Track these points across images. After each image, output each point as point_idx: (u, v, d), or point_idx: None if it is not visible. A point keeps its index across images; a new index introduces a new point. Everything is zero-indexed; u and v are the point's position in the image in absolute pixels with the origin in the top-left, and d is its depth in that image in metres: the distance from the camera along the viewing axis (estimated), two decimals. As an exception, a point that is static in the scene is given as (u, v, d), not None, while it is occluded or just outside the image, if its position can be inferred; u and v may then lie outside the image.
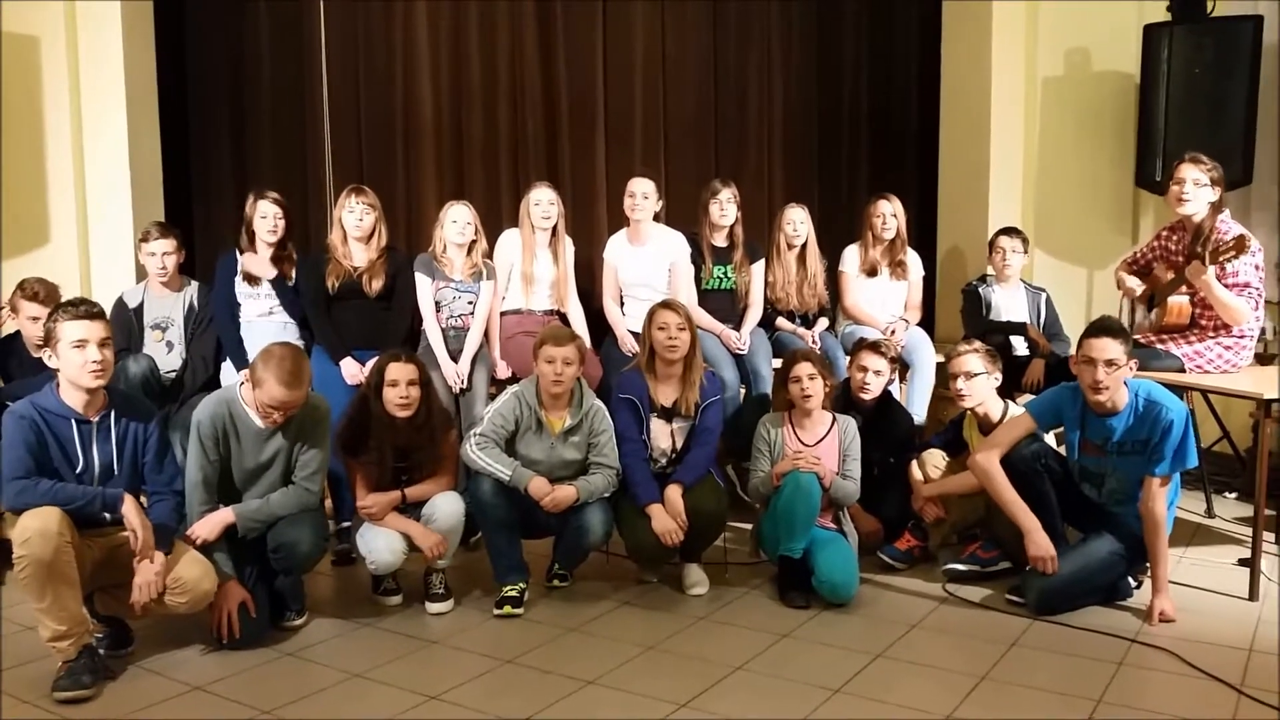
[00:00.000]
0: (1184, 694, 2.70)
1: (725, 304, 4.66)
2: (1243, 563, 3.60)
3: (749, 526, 3.85)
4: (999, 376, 3.82)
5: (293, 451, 3.22)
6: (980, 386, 3.72)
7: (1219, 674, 2.77)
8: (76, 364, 2.84)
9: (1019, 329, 4.62)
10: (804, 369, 3.62)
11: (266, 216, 4.19)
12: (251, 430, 3.17)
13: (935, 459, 3.87)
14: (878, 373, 3.92)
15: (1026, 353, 4.60)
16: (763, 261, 4.72)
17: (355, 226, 4.15)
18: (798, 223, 4.71)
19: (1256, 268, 3.75)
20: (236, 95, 5.16)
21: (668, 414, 3.63)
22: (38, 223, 4.60)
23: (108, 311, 4.01)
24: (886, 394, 4.04)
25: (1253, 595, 3.39)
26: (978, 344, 3.81)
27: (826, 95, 5.74)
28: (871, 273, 4.82)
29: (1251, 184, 4.84)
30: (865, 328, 4.72)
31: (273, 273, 4.19)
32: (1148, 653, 2.97)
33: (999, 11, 5.29)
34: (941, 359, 4.80)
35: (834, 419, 3.69)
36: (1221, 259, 3.65)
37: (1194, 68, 4.80)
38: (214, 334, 4.17)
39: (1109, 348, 3.16)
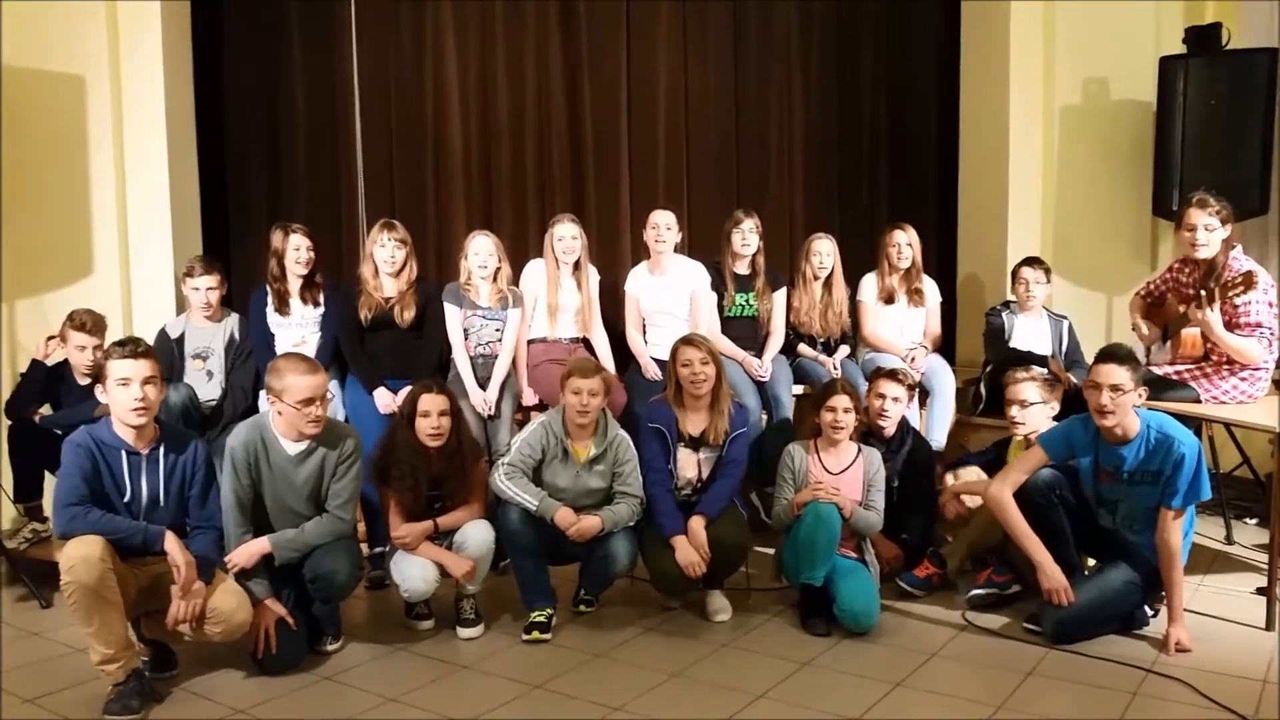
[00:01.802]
0: (1197, 724, 2.77)
1: (747, 331, 4.77)
2: (1260, 591, 3.64)
3: (771, 552, 3.93)
4: (1056, 405, 3.88)
5: (323, 479, 3.33)
6: (1035, 415, 3.79)
7: (1232, 705, 2.82)
8: (121, 401, 2.99)
9: (1040, 360, 4.68)
10: (841, 401, 3.71)
11: (299, 249, 4.35)
12: (283, 456, 3.29)
13: (971, 475, 3.93)
14: (896, 400, 3.99)
15: (1046, 380, 4.66)
16: (784, 289, 4.82)
17: (386, 261, 4.28)
18: (824, 254, 4.81)
19: (1270, 305, 3.79)
20: (272, 132, 5.33)
21: (695, 443, 3.72)
22: (82, 254, 4.75)
23: (150, 341, 4.21)
24: (905, 422, 4.12)
25: (1269, 625, 3.43)
26: (1036, 372, 3.87)
27: (846, 126, 5.84)
28: (889, 300, 4.91)
29: (1268, 214, 4.88)
30: (885, 355, 4.80)
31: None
32: (1162, 682, 3.02)
33: (1017, 41, 5.36)
34: (960, 386, 4.89)
35: (859, 450, 3.77)
36: (1231, 294, 3.70)
37: (1210, 100, 4.86)
38: (254, 365, 4.32)
39: (1115, 373, 3.24)
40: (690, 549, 3.51)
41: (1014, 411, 3.78)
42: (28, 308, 4.72)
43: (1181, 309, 4.03)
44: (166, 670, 3.18)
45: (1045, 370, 3.91)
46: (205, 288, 4.31)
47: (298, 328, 4.38)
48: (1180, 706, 2.86)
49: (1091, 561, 3.61)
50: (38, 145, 4.65)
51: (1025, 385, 3.79)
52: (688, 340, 3.79)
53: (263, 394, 4.23)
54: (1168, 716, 2.81)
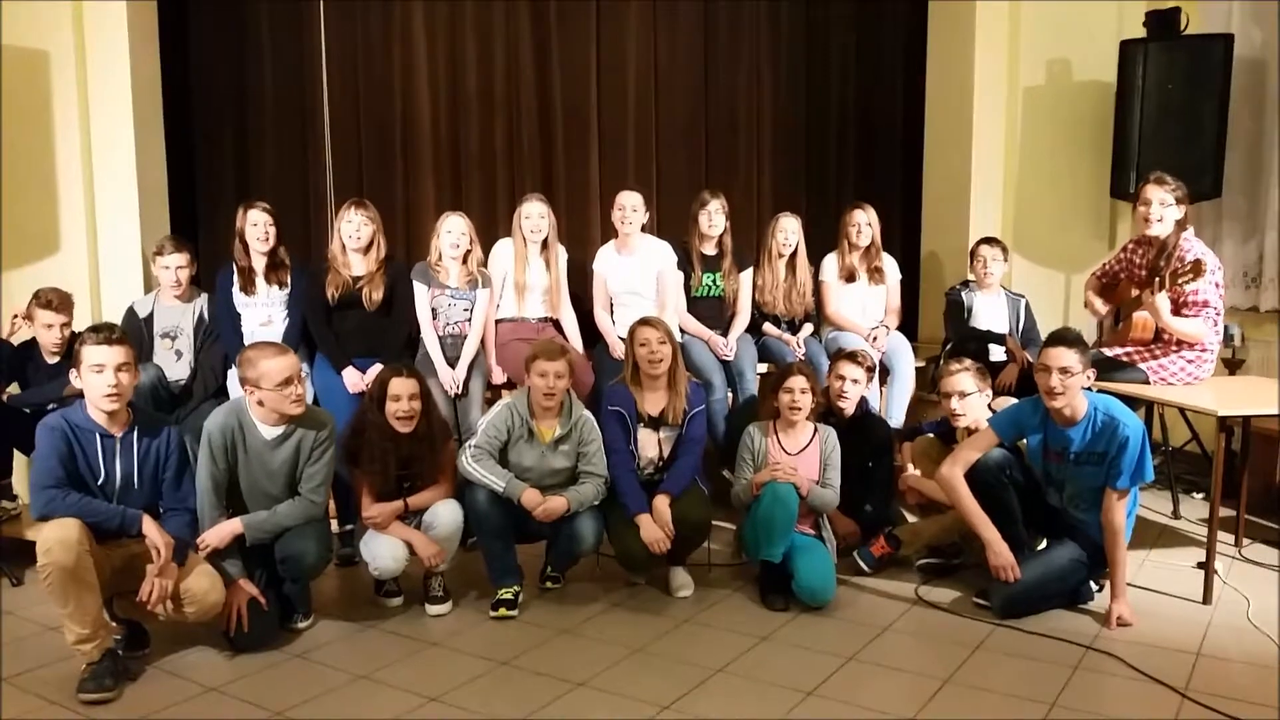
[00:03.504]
0: (1132, 697, 2.88)
1: (713, 310, 4.84)
2: (1201, 566, 3.75)
3: (733, 528, 4.03)
4: (990, 392, 3.99)
5: (299, 463, 3.39)
6: (973, 404, 3.90)
7: (1166, 678, 2.96)
8: (94, 386, 3.03)
9: (999, 339, 4.80)
10: (797, 382, 3.80)
11: (257, 225, 4.36)
12: (260, 441, 3.34)
13: (920, 453, 4.09)
14: (855, 381, 4.10)
15: (1004, 358, 4.79)
16: (750, 269, 4.89)
17: (352, 238, 4.30)
18: (789, 232, 4.88)
19: (1216, 285, 3.91)
20: (239, 109, 5.32)
21: (655, 423, 3.80)
22: (48, 232, 4.74)
23: (118, 319, 4.23)
24: (864, 402, 4.22)
25: (1206, 599, 3.58)
26: (968, 362, 3.97)
27: (814, 106, 5.90)
28: (850, 279, 4.99)
29: (1221, 196, 5.00)
30: (848, 334, 4.89)
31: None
32: (1102, 657, 3.14)
33: (982, 22, 5.45)
34: (922, 364, 5.00)
35: (815, 429, 3.87)
36: (1180, 282, 3.82)
37: (1167, 84, 4.96)
38: (223, 346, 4.34)
39: (1063, 356, 3.34)
40: (654, 527, 3.60)
41: (954, 404, 3.88)
42: (-7, 285, 4.73)
43: (1134, 292, 4.14)
44: (139, 649, 3.24)
45: (977, 363, 4.02)
46: (175, 266, 4.32)
47: (264, 307, 4.39)
48: (1117, 680, 2.99)
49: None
50: (1, 120, 4.61)
51: (961, 376, 3.88)
52: (645, 321, 3.86)
53: (231, 373, 4.30)
54: (1106, 689, 2.94)
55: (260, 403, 3.29)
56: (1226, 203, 5.12)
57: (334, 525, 3.87)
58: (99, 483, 3.07)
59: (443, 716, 2.82)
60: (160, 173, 5.05)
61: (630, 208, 4.66)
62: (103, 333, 3.05)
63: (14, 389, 4.25)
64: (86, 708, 2.86)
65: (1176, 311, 3.93)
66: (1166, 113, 4.99)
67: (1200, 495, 4.92)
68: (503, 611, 3.51)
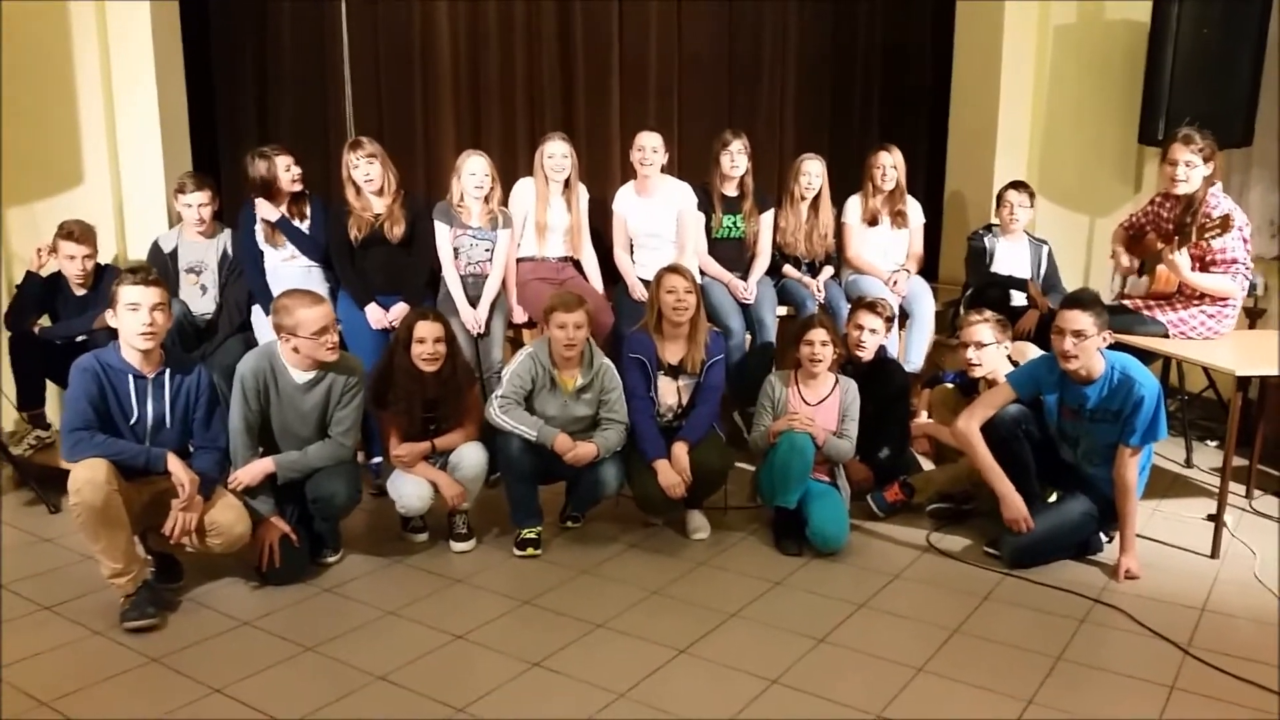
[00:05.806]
0: (1136, 653, 2.94)
1: (734, 253, 4.84)
2: (1211, 518, 3.79)
3: (751, 469, 4.09)
4: (1009, 345, 4.01)
5: (329, 407, 3.46)
6: (990, 356, 3.92)
7: (1170, 633, 3.02)
8: (129, 325, 3.10)
9: (1020, 285, 4.79)
10: (818, 334, 3.81)
11: (290, 169, 4.36)
12: (291, 384, 3.41)
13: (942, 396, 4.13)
14: (873, 331, 4.11)
15: (1025, 304, 4.79)
16: (772, 211, 4.87)
17: (366, 180, 4.30)
18: (813, 175, 4.84)
19: (1245, 241, 3.89)
20: (258, 45, 5.24)
21: (674, 372, 3.84)
22: (71, 163, 4.72)
23: (144, 255, 4.27)
24: (882, 349, 4.24)
25: (1214, 553, 3.63)
26: (989, 314, 3.98)
27: (840, 43, 5.80)
28: (873, 222, 4.97)
29: (1252, 144, 4.92)
30: (868, 278, 4.89)
31: (275, 215, 4.33)
32: (1109, 610, 3.21)
33: (1015, -42, 5.32)
34: (941, 308, 5.01)
35: (836, 381, 3.90)
36: (1207, 236, 3.79)
37: (1202, 28, 4.83)
38: (247, 282, 4.37)
39: (1077, 319, 3.35)
40: (672, 472, 3.67)
41: (971, 354, 3.90)
42: (19, 216, 4.74)
43: (1159, 246, 4.12)
44: (172, 581, 3.36)
45: (998, 313, 4.03)
46: (197, 204, 4.34)
47: (289, 243, 4.41)
48: (1122, 635, 3.06)
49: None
50: (20, 51, 4.58)
51: (980, 327, 3.89)
52: (673, 269, 3.88)
53: (255, 309, 4.35)
54: (1111, 644, 3.01)
55: (295, 349, 3.35)
56: (1258, 150, 5.03)
57: (360, 456, 3.96)
58: (131, 423, 3.15)
59: (468, 655, 2.92)
60: (181, 107, 5.00)
61: (650, 149, 4.63)
62: (140, 274, 3.12)
63: (45, 321, 4.33)
64: (128, 636, 2.98)
65: (1204, 269, 3.91)
66: (1200, 57, 4.86)
67: (1214, 443, 4.95)
68: (529, 551, 3.62)
